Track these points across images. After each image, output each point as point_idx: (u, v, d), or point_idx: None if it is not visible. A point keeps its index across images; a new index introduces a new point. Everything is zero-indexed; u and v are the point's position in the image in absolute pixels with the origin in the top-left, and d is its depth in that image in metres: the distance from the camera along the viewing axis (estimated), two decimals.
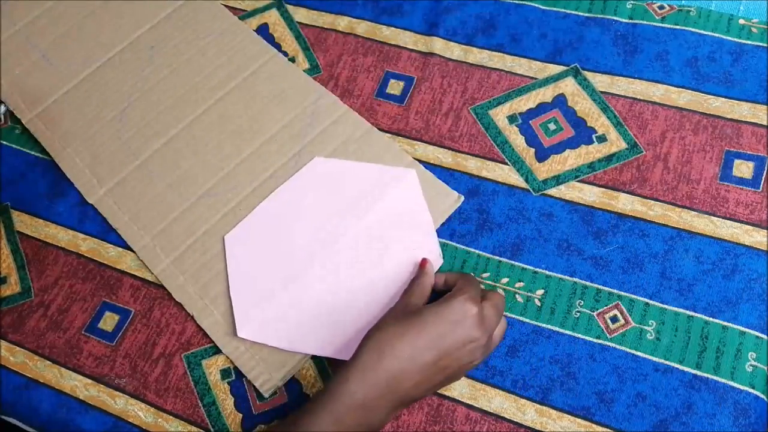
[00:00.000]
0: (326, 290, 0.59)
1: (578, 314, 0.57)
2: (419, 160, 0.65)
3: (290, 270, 0.60)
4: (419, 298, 0.55)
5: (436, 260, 0.60)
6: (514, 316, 0.58)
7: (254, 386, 0.58)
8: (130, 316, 0.62)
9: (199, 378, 0.59)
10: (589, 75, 0.66)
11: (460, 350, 0.50)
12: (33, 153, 0.71)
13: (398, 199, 0.63)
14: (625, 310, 0.57)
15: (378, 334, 0.51)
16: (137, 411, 0.58)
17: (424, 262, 0.58)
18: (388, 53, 0.71)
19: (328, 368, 0.58)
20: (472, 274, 0.59)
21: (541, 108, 0.66)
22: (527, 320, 0.58)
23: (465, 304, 0.51)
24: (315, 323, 0.59)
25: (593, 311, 0.57)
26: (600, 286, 0.58)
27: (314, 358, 0.59)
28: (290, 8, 0.75)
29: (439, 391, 0.56)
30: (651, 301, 0.57)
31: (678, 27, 0.67)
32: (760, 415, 0.53)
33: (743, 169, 0.61)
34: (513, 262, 0.60)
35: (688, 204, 0.60)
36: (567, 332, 0.57)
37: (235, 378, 0.59)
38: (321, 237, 0.61)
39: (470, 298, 0.51)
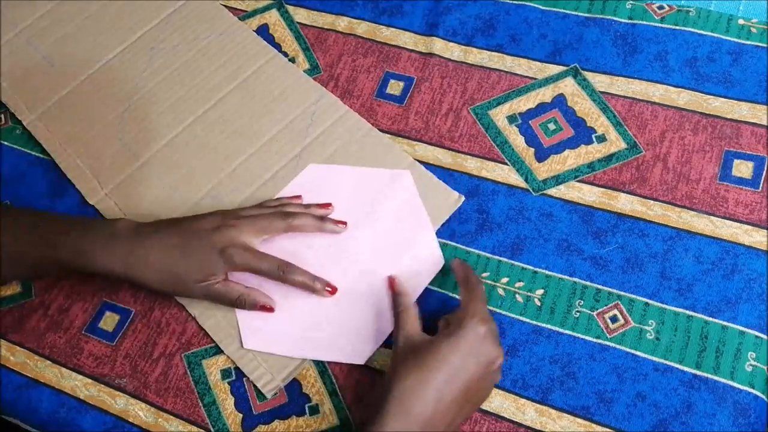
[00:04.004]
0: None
1: (578, 314, 0.58)
2: (419, 161, 0.65)
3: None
4: (414, 327, 0.53)
5: (437, 261, 0.60)
6: (514, 315, 0.58)
7: (255, 386, 0.58)
8: (131, 316, 0.62)
9: (200, 378, 0.59)
10: (588, 75, 0.67)
11: (484, 375, 0.50)
12: (33, 153, 0.71)
13: (395, 202, 0.63)
14: (624, 310, 0.57)
15: (399, 384, 0.48)
16: (137, 411, 0.58)
17: (391, 282, 0.57)
18: (388, 54, 0.71)
19: (328, 369, 0.58)
20: (475, 277, 0.56)
21: (541, 108, 0.66)
22: (527, 320, 0.58)
23: (477, 328, 0.49)
24: (317, 328, 0.59)
25: (593, 311, 0.57)
26: (600, 286, 0.58)
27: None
28: (290, 9, 0.75)
29: None
30: (651, 301, 0.57)
31: (677, 27, 0.67)
32: (759, 415, 0.53)
33: (743, 169, 0.61)
34: (513, 261, 0.60)
35: (687, 204, 0.60)
36: (567, 332, 0.57)
37: (236, 378, 0.59)
38: (320, 243, 0.61)
39: (480, 320, 0.50)
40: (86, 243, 0.57)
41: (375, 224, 0.62)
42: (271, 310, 0.59)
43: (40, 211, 0.66)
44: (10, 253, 0.59)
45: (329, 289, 0.59)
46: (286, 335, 0.59)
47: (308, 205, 0.62)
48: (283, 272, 0.57)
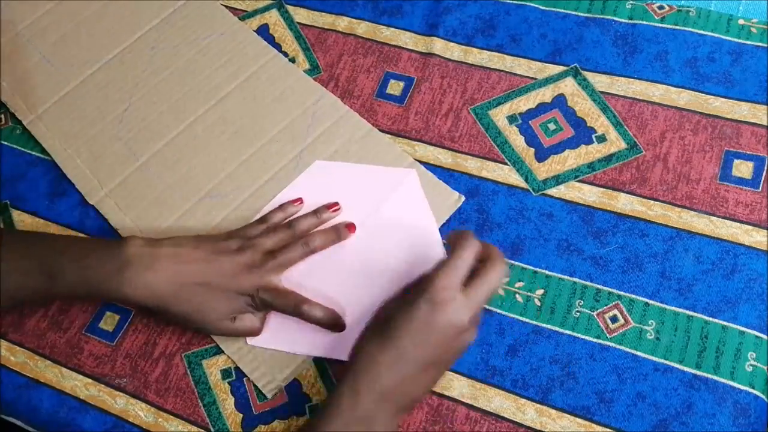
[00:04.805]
0: (331, 292, 0.59)
1: (578, 314, 0.58)
2: (419, 161, 0.65)
3: (293, 274, 0.60)
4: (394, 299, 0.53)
5: (441, 261, 0.60)
6: (514, 315, 0.58)
7: (255, 386, 0.58)
8: (131, 316, 0.62)
9: (200, 378, 0.59)
10: (588, 75, 0.67)
11: (444, 342, 0.49)
12: (33, 153, 0.71)
13: (400, 201, 0.63)
14: (624, 310, 0.57)
15: (360, 348, 0.50)
16: (137, 411, 0.58)
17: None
18: (388, 54, 0.71)
19: (328, 369, 0.58)
20: (472, 239, 0.51)
21: (541, 108, 0.66)
22: (527, 320, 0.58)
23: (434, 293, 0.48)
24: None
25: (593, 311, 0.57)
26: (600, 286, 0.58)
27: (315, 358, 0.59)
28: (290, 9, 0.75)
29: (438, 391, 0.56)
30: (651, 301, 0.57)
31: (677, 27, 0.67)
32: (759, 415, 0.53)
33: (743, 169, 0.61)
34: (513, 261, 0.60)
35: (687, 204, 0.60)
36: (567, 332, 0.57)
37: (236, 378, 0.59)
38: None
39: (438, 285, 0.48)
40: (92, 271, 0.55)
41: (379, 222, 0.62)
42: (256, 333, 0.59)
43: (37, 234, 0.64)
44: (4, 287, 0.57)
45: (340, 326, 0.58)
46: (289, 332, 0.59)
47: (317, 211, 0.62)
48: (300, 309, 0.57)
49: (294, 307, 0.57)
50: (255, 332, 0.58)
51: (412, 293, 0.49)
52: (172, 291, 0.55)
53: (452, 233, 0.53)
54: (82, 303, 0.63)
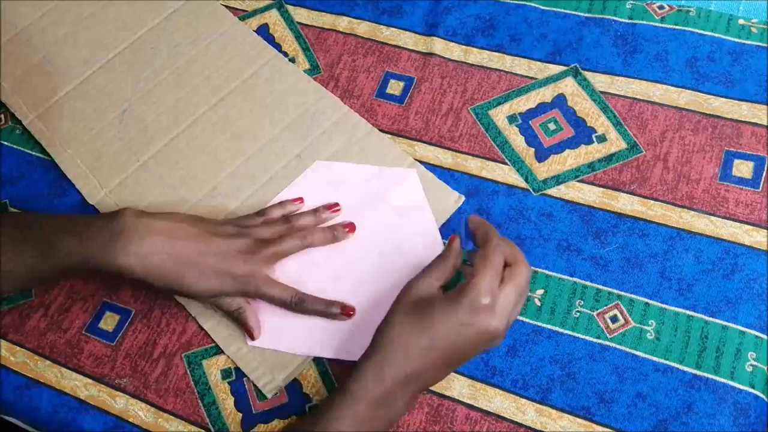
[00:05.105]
0: (330, 292, 0.59)
1: (578, 314, 0.57)
2: (419, 161, 0.65)
3: (292, 272, 0.60)
4: (437, 279, 0.52)
5: None
6: None
7: (255, 386, 0.58)
8: (131, 316, 0.62)
9: (200, 378, 0.59)
10: (588, 75, 0.67)
11: (475, 343, 0.49)
12: (33, 153, 0.71)
13: (401, 201, 0.63)
14: (624, 310, 0.57)
15: (390, 330, 0.50)
16: (137, 411, 0.58)
17: (453, 239, 0.54)
18: (388, 54, 0.71)
19: (329, 369, 0.58)
20: (500, 238, 0.52)
21: (541, 108, 0.66)
22: (527, 320, 0.58)
23: (478, 298, 0.48)
24: (321, 326, 0.59)
25: (593, 311, 0.57)
26: (600, 286, 0.58)
27: (315, 358, 0.59)
28: (290, 9, 0.75)
29: (438, 391, 0.56)
30: (651, 301, 0.57)
31: (678, 27, 0.67)
32: (759, 415, 0.53)
33: (743, 169, 0.61)
34: None
35: (687, 204, 0.60)
36: (567, 332, 0.57)
37: (236, 378, 0.59)
38: None
39: (483, 290, 0.48)
40: (86, 242, 0.55)
41: (379, 222, 0.62)
42: (250, 335, 0.59)
43: (33, 215, 0.65)
44: (4, 268, 0.57)
45: (348, 310, 0.58)
46: (289, 332, 0.59)
47: (316, 210, 0.62)
48: (296, 303, 0.57)
49: (290, 299, 0.57)
50: (224, 308, 0.58)
51: (457, 291, 0.49)
52: (163, 263, 0.55)
53: (475, 221, 0.54)
54: (76, 277, 0.63)
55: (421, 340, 0.49)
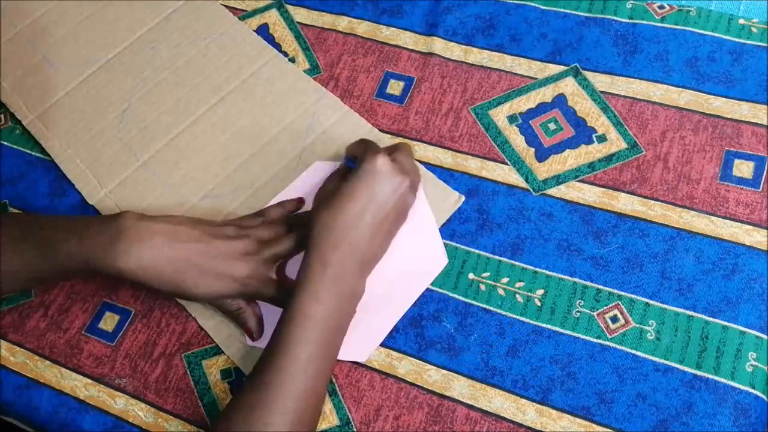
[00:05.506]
0: None
1: (578, 314, 0.57)
2: (419, 161, 0.65)
3: (291, 273, 0.60)
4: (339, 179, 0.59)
5: (441, 260, 0.60)
6: (514, 316, 0.58)
7: None
8: (131, 316, 0.62)
9: (200, 378, 0.59)
10: (589, 75, 0.66)
11: (392, 198, 0.55)
12: (33, 153, 0.71)
13: None
14: (625, 310, 0.57)
15: (318, 217, 0.54)
16: (137, 411, 0.58)
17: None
18: (388, 53, 0.71)
19: None
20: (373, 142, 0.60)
21: (541, 108, 0.66)
22: (527, 320, 0.58)
23: (375, 161, 0.55)
24: None
25: (593, 311, 0.57)
26: (600, 286, 0.58)
27: None
28: (290, 8, 0.75)
29: (438, 392, 0.56)
30: (651, 301, 0.57)
31: (678, 27, 0.67)
32: (760, 415, 0.53)
33: (743, 168, 0.61)
34: (513, 261, 0.60)
35: (688, 204, 0.60)
36: (567, 332, 0.57)
37: (236, 378, 0.59)
38: None
39: (376, 156, 0.55)
40: (86, 242, 0.55)
41: None
42: (250, 335, 0.59)
43: (33, 215, 0.65)
44: (4, 268, 0.57)
45: None
46: None
47: None
48: None
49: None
50: (224, 309, 0.58)
51: (355, 169, 0.56)
52: (163, 266, 0.55)
53: (353, 143, 0.61)
54: (76, 277, 0.63)
55: (339, 218, 0.53)
